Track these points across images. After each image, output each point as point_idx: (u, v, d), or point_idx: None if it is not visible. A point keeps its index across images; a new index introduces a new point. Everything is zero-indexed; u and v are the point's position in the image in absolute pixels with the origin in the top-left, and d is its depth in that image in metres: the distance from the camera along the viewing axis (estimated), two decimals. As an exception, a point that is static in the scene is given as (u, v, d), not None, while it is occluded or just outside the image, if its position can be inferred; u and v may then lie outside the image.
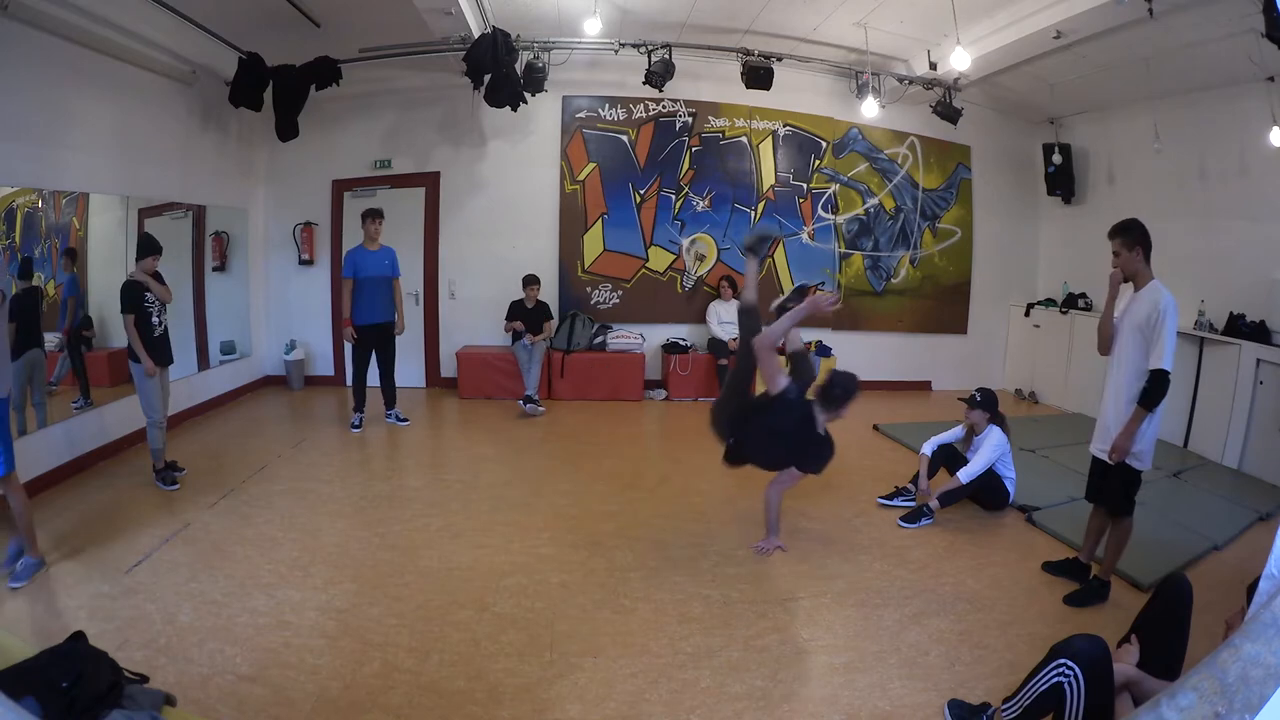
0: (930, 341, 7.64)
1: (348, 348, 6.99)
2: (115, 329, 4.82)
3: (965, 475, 3.88)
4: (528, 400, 6.03)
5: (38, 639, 2.23)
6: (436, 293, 6.89)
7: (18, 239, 4.06)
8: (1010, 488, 4.01)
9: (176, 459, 4.29)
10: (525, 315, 6.27)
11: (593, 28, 5.53)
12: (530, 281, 6.30)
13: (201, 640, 2.52)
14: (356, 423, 5.49)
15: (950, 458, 4.12)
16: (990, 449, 3.90)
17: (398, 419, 5.69)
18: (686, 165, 6.95)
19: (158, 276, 4.17)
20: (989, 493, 3.98)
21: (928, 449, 4.16)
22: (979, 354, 7.74)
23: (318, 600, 2.84)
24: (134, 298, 4.00)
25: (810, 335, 7.21)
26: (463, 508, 3.92)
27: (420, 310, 6.89)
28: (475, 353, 6.68)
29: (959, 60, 5.22)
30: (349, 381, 5.89)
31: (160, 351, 4.12)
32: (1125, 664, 2.06)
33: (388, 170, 6.78)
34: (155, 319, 4.09)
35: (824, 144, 7.16)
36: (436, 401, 6.54)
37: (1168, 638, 2.11)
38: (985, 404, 3.98)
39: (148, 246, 4.13)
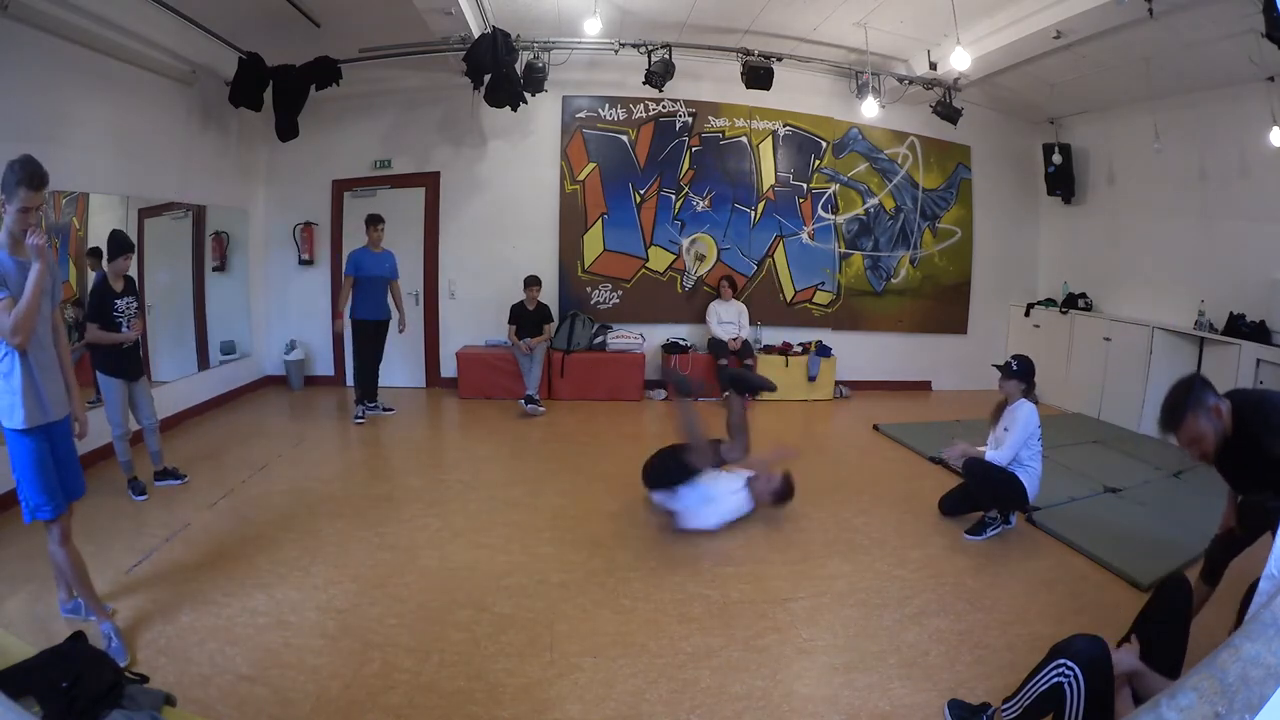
0: (930, 341, 7.64)
1: (348, 347, 7.01)
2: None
3: (994, 457, 3.55)
4: (528, 400, 6.04)
5: (38, 639, 2.23)
6: (436, 293, 6.89)
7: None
8: (1029, 483, 3.57)
9: (176, 464, 4.22)
10: (526, 317, 6.26)
11: (593, 28, 5.53)
12: (531, 283, 6.28)
13: (201, 640, 2.52)
14: (360, 414, 5.69)
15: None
16: (1022, 426, 3.49)
17: (382, 409, 5.89)
18: (686, 165, 6.95)
19: (130, 284, 3.82)
20: (1002, 488, 3.58)
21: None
22: (979, 354, 7.73)
23: (318, 600, 2.84)
24: (103, 309, 3.67)
25: (810, 335, 7.22)
26: (463, 508, 3.92)
27: (420, 310, 6.89)
28: (475, 353, 6.68)
29: (959, 60, 5.22)
30: (351, 379, 6.01)
31: (129, 364, 3.84)
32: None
33: (388, 170, 6.78)
34: (125, 329, 3.77)
35: (824, 144, 7.16)
36: (436, 401, 6.54)
37: (1167, 637, 2.11)
38: (1021, 373, 3.59)
39: (121, 244, 3.72)
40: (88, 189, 4.48)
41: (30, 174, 2.28)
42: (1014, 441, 3.54)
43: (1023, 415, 3.56)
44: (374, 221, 5.71)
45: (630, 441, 5.47)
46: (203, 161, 5.74)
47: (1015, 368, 3.64)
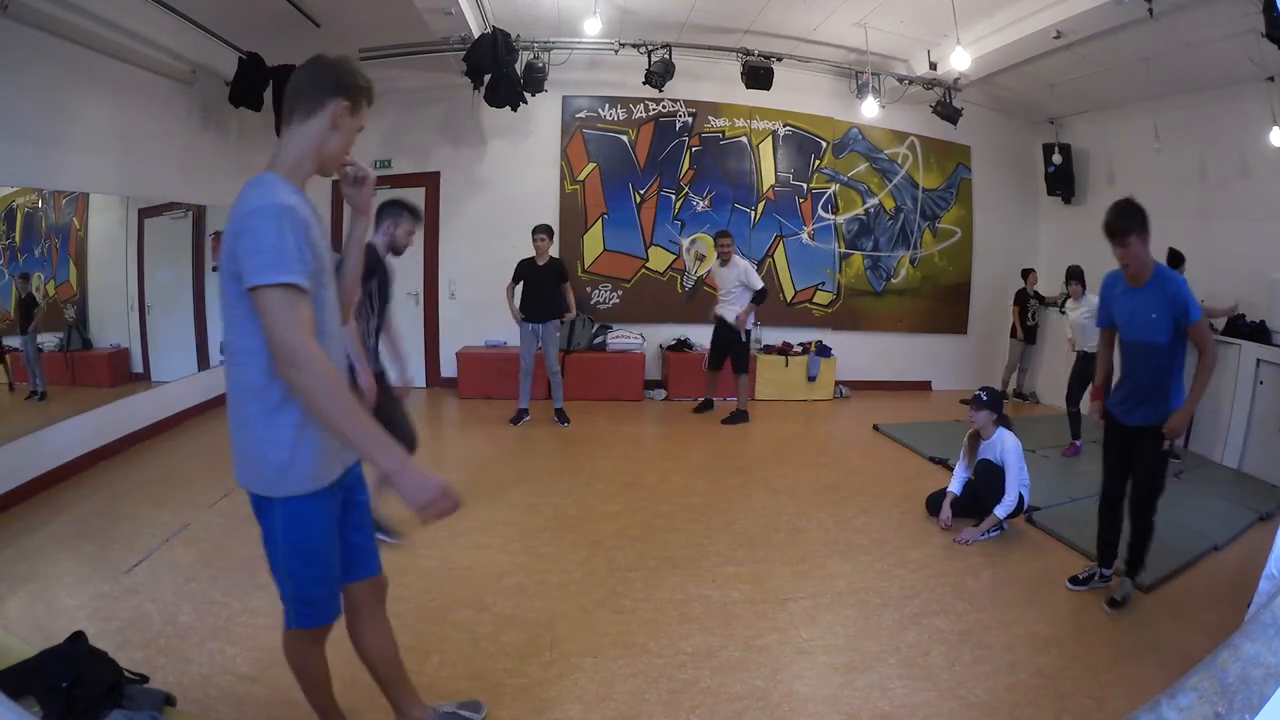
0: (930, 341, 7.64)
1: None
2: (115, 328, 4.84)
3: (1004, 509, 3.53)
4: (560, 416, 5.80)
5: (38, 639, 2.23)
6: (436, 293, 6.89)
7: (18, 239, 4.06)
8: (1026, 495, 3.63)
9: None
10: (535, 276, 5.55)
11: (593, 28, 5.53)
12: (540, 231, 5.52)
13: (201, 640, 2.52)
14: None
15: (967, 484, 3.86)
16: (1016, 463, 3.55)
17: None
18: (686, 165, 6.95)
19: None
20: (997, 498, 3.60)
21: (956, 488, 3.81)
22: (979, 354, 7.74)
23: (318, 600, 2.83)
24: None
25: (811, 336, 7.21)
26: (463, 507, 3.91)
27: (420, 310, 6.89)
28: (475, 353, 6.68)
29: (959, 60, 5.23)
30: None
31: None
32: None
33: (388, 170, 6.77)
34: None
35: (824, 144, 7.16)
36: (436, 401, 6.54)
37: None
38: (992, 404, 3.67)
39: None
40: (88, 189, 4.48)
41: (367, 84, 1.64)
42: (1014, 479, 3.55)
43: (1011, 447, 3.60)
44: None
45: (630, 442, 5.48)
46: (203, 161, 5.73)
47: (985, 398, 3.69)
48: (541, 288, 5.53)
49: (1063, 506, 4.04)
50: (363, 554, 1.75)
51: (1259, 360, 4.94)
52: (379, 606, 1.83)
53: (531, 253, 5.53)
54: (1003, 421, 3.74)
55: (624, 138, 6.86)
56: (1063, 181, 7.11)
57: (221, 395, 6.65)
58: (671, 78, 6.08)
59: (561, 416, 5.80)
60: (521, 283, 5.55)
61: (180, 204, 5.51)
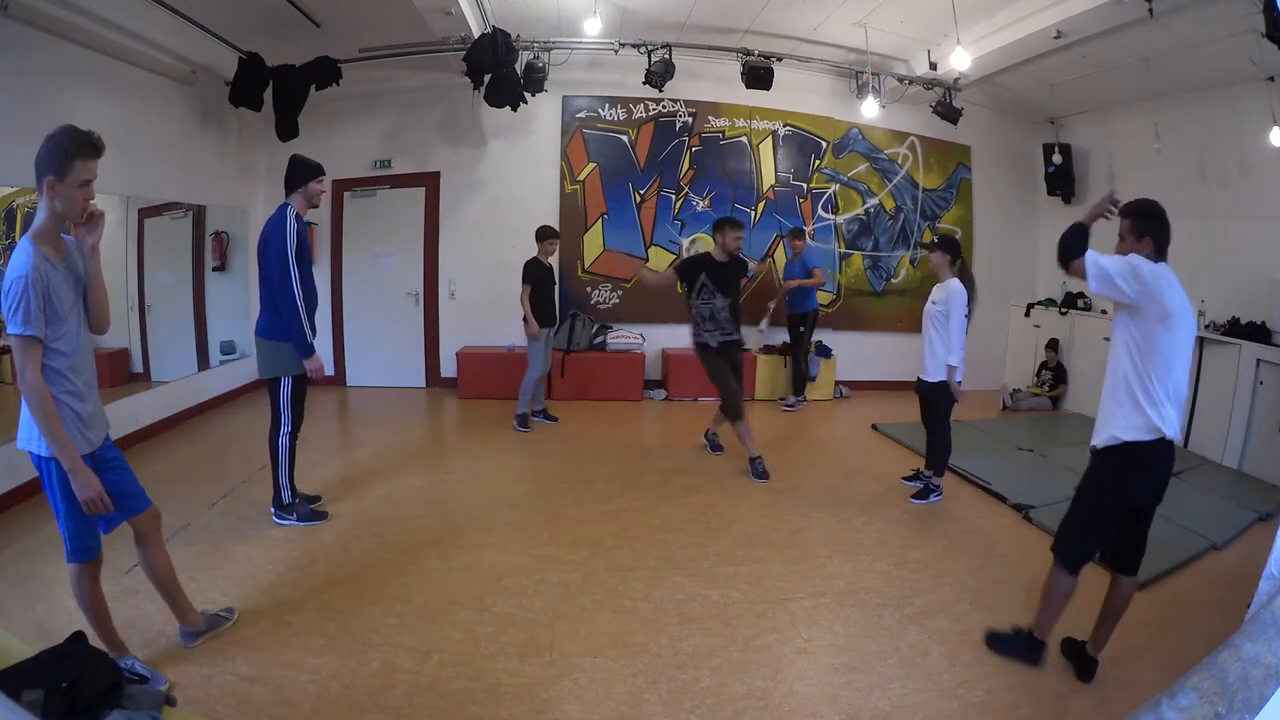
0: (930, 341, 7.63)
1: (348, 348, 7.02)
2: (114, 328, 4.83)
3: (955, 358, 3.92)
4: (531, 416, 5.75)
5: (38, 639, 2.23)
6: (436, 293, 6.89)
7: (18, 239, 4.06)
8: (959, 366, 3.93)
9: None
10: (546, 279, 5.56)
11: (593, 28, 5.53)
12: (547, 234, 5.46)
13: (201, 640, 2.52)
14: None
15: None
16: (959, 307, 3.88)
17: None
18: (686, 165, 6.95)
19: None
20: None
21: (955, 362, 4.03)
22: (979, 354, 7.72)
23: (318, 600, 2.84)
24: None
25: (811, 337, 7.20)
26: (463, 508, 3.92)
27: (420, 310, 6.90)
28: (475, 353, 6.68)
29: (959, 60, 5.22)
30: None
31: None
32: None
33: (388, 170, 6.78)
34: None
35: (824, 144, 7.16)
36: (437, 401, 6.54)
37: None
38: (945, 245, 4.00)
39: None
40: (88, 189, 4.48)
41: (85, 141, 2.04)
42: (957, 339, 3.92)
43: (954, 299, 3.91)
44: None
45: (630, 442, 5.47)
46: (203, 161, 5.74)
47: (939, 241, 4.05)
48: (552, 290, 5.62)
49: (1062, 505, 4.02)
50: (127, 496, 2.26)
51: (1259, 360, 4.94)
52: (155, 534, 2.37)
53: (525, 254, 5.48)
54: (964, 275, 3.98)
55: (624, 138, 6.86)
56: (1063, 181, 7.11)
57: (222, 395, 6.67)
58: (671, 78, 6.08)
59: (548, 415, 5.88)
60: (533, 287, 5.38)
61: (180, 204, 5.51)
